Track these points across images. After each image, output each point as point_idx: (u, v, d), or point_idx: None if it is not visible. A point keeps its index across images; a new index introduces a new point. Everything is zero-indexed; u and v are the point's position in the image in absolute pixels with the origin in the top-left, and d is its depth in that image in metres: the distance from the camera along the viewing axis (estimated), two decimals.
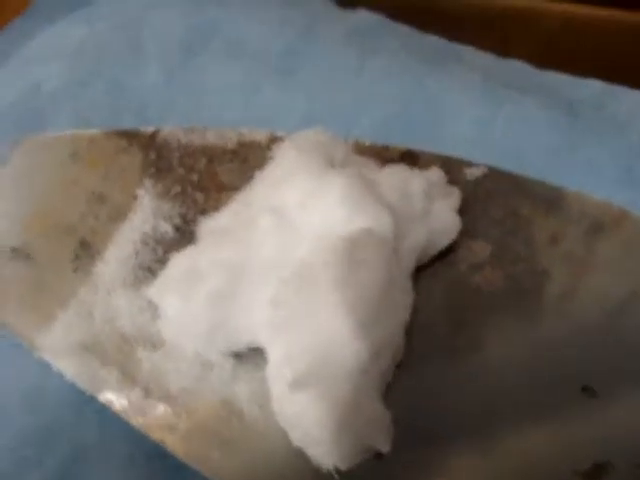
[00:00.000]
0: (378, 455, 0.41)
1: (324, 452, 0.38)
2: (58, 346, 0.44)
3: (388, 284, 0.39)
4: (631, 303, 0.46)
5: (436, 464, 0.41)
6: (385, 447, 0.40)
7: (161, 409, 0.42)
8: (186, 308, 0.42)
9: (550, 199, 0.50)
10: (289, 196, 0.43)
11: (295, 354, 0.38)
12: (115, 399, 0.43)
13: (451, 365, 0.44)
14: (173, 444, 0.42)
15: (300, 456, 0.40)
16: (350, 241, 0.39)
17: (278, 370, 0.39)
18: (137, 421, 0.42)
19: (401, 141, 0.52)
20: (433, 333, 0.45)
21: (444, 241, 0.46)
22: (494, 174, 0.51)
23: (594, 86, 0.56)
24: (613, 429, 0.43)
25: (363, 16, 0.60)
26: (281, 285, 0.39)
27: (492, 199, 0.50)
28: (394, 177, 0.45)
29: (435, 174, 0.47)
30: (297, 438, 0.39)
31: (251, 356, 0.43)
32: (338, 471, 0.39)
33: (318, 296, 0.38)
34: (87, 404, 0.44)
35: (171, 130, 0.52)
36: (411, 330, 0.44)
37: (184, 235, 0.47)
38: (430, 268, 0.47)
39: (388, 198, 0.44)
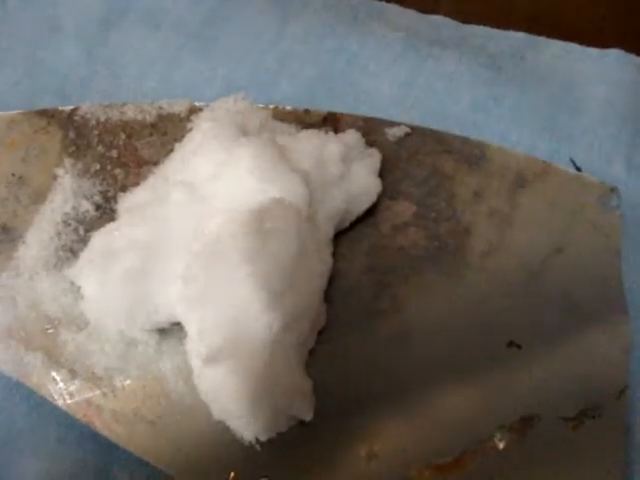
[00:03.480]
0: (302, 423, 0.41)
1: (243, 424, 0.38)
2: None
3: (301, 253, 0.39)
4: (554, 258, 0.46)
5: (361, 429, 0.42)
6: (307, 415, 0.40)
7: (87, 390, 0.42)
8: (105, 287, 0.42)
9: (473, 155, 0.50)
10: (200, 169, 0.43)
11: (208, 329, 0.38)
12: (41, 383, 0.42)
13: (375, 328, 0.44)
14: (101, 425, 0.42)
15: (224, 429, 0.40)
16: (259, 212, 0.39)
17: (194, 346, 0.38)
18: (65, 403, 0.42)
19: (324, 103, 0.52)
20: (356, 297, 0.45)
21: (364, 204, 0.46)
22: (416, 133, 0.51)
23: (515, 38, 0.55)
24: (538, 382, 0.44)
25: None
26: (191, 260, 0.39)
27: (414, 158, 0.50)
28: (309, 143, 0.45)
29: (352, 137, 0.47)
30: (217, 412, 0.39)
31: (175, 331, 0.43)
32: (259, 442, 0.39)
33: (228, 269, 0.38)
34: (15, 390, 0.43)
35: (89, 107, 0.51)
36: (333, 295, 0.44)
37: (105, 213, 0.47)
38: (352, 231, 0.47)
39: (302, 165, 0.43)
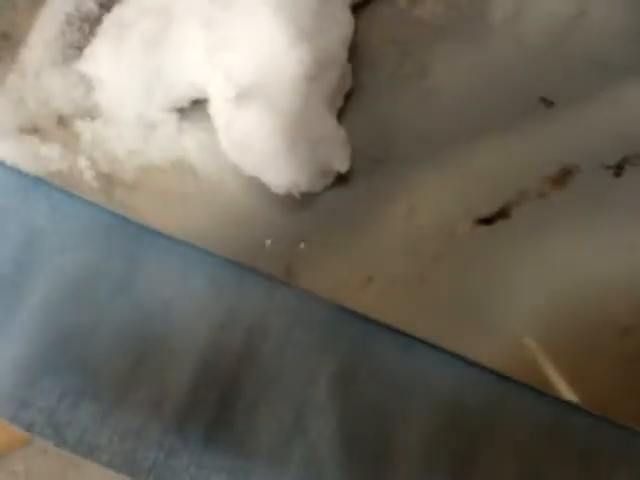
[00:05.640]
0: (338, 181, 0.39)
1: (280, 169, 0.37)
2: None
3: None
4: (578, 20, 0.45)
5: (399, 186, 0.41)
6: (343, 166, 0.38)
7: (110, 175, 0.40)
8: (118, 65, 0.40)
9: None
10: None
11: (235, 71, 0.36)
12: (61, 173, 0.41)
13: (402, 92, 0.43)
14: (130, 207, 0.40)
15: (258, 195, 0.39)
16: None
17: (221, 95, 0.36)
18: (88, 191, 0.40)
19: None
20: (380, 65, 0.44)
21: None
22: None
23: None
24: (575, 135, 0.43)
25: None
26: (210, 6, 0.37)
27: None
28: None
29: None
30: (250, 164, 0.37)
31: (194, 109, 0.42)
32: (298, 191, 0.37)
33: (252, 8, 0.36)
34: (35, 189, 0.41)
35: None
36: (357, 64, 0.43)
37: (110, 11, 0.44)
38: (368, 7, 0.45)
39: None
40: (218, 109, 0.37)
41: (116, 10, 0.42)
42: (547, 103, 0.43)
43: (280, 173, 0.36)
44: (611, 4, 0.45)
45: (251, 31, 0.36)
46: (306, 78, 0.36)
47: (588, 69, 0.44)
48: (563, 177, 0.41)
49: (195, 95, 0.40)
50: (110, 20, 0.41)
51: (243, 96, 0.35)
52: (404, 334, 0.38)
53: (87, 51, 0.42)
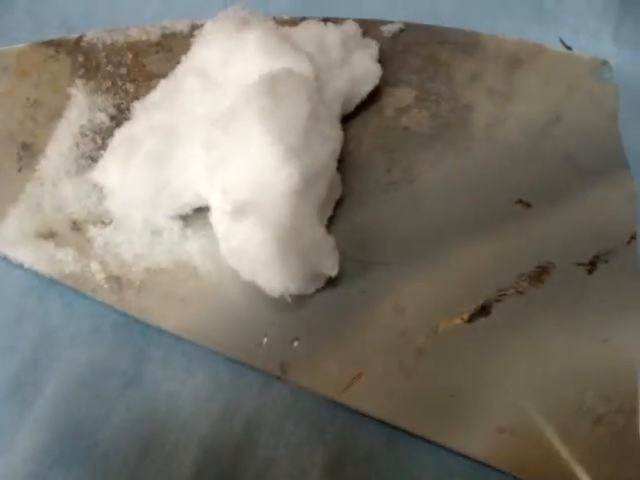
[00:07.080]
0: (328, 284, 0.43)
1: (273, 275, 0.40)
2: (12, 237, 0.45)
3: (313, 117, 0.41)
4: (554, 125, 0.49)
5: (385, 287, 0.44)
6: (332, 270, 0.41)
7: (119, 278, 0.44)
8: (127, 176, 0.43)
9: (466, 44, 0.53)
10: (209, 57, 0.45)
11: (231, 188, 0.40)
12: (74, 276, 0.44)
13: (389, 198, 0.46)
14: (135, 308, 0.44)
15: (253, 296, 0.42)
16: (270, 78, 0.41)
17: (219, 209, 0.40)
18: (98, 293, 0.44)
19: (318, 12, 0.53)
20: (369, 172, 0.47)
21: (367, 87, 0.48)
22: (410, 28, 0.53)
23: None
24: (550, 234, 0.45)
25: None
26: (210, 128, 0.41)
27: (410, 50, 0.52)
28: (309, 30, 0.47)
29: (350, 27, 0.49)
30: (246, 270, 0.40)
31: (197, 217, 0.45)
32: (290, 295, 0.41)
33: (245, 130, 0.40)
34: (49, 289, 0.45)
35: (94, 33, 0.54)
36: (346, 172, 0.46)
37: (120, 123, 0.48)
38: (358, 116, 0.49)
39: (305, 48, 0.45)
40: (218, 220, 0.40)
41: (126, 126, 0.45)
42: (524, 204, 0.46)
43: (273, 279, 0.40)
44: (583, 110, 0.49)
45: (245, 151, 0.40)
46: (296, 192, 0.39)
47: (562, 171, 0.48)
48: (540, 274, 0.44)
49: (198, 204, 0.44)
50: (121, 134, 0.45)
51: (238, 210, 0.39)
52: (390, 425, 0.40)
53: (99, 163, 0.45)
